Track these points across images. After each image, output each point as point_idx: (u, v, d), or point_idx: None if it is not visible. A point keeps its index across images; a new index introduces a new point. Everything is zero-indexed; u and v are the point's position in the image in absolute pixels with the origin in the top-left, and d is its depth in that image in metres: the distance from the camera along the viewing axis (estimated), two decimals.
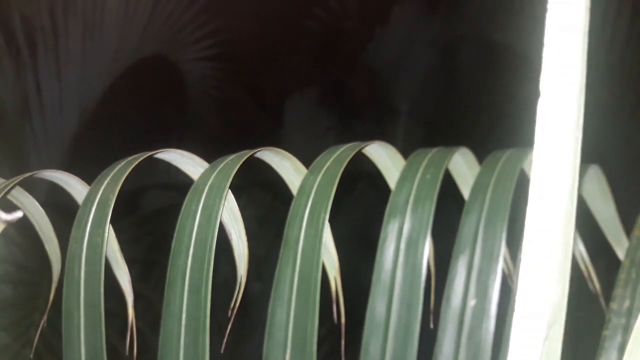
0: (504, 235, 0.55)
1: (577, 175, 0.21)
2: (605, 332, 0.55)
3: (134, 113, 1.49)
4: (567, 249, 0.22)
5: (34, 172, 0.54)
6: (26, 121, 1.38)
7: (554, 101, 0.21)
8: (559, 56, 0.21)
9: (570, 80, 0.21)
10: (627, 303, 0.55)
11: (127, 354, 0.50)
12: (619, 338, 0.55)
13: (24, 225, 0.58)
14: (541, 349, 0.22)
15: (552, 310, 0.22)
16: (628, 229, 0.60)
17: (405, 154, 0.59)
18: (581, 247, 0.61)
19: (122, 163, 0.53)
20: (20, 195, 0.56)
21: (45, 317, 0.55)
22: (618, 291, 0.55)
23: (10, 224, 0.39)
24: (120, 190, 0.51)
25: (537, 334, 0.22)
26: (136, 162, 0.52)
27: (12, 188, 0.52)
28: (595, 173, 0.62)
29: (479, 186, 0.57)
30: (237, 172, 0.52)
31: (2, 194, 0.50)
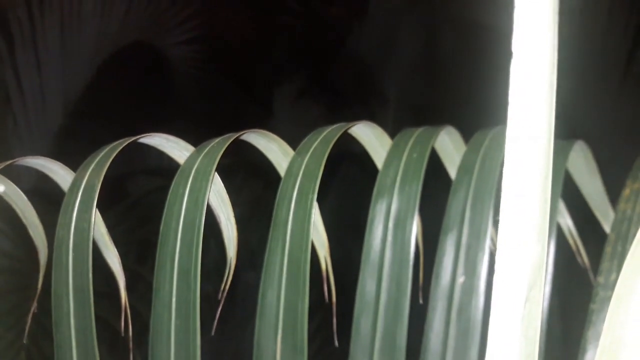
0: (491, 213, 0.55)
1: (552, 132, 0.21)
2: (593, 306, 0.56)
3: (118, 101, 1.47)
4: (545, 206, 0.22)
5: (16, 160, 0.53)
6: (8, 113, 1.36)
7: (526, 61, 0.21)
8: (530, 16, 0.21)
9: (541, 39, 0.21)
10: (613, 276, 0.56)
11: (122, 334, 0.50)
12: (606, 311, 0.56)
13: (10, 215, 0.57)
14: (522, 311, 0.22)
15: (531, 270, 0.22)
16: (615, 203, 0.61)
17: (392, 136, 0.59)
18: (569, 222, 0.61)
19: (107, 148, 0.53)
20: (1, 182, 0.55)
21: (35, 304, 0.55)
22: (605, 265, 0.56)
23: None
24: (108, 177, 0.51)
25: (518, 294, 0.22)
26: (121, 147, 0.51)
27: None
28: (581, 148, 0.62)
29: (465, 165, 0.58)
30: (224, 155, 0.52)
31: None
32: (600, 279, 0.56)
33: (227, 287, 0.51)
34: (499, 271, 0.21)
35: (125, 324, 0.50)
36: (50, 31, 1.37)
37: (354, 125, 0.56)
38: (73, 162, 0.55)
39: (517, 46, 0.21)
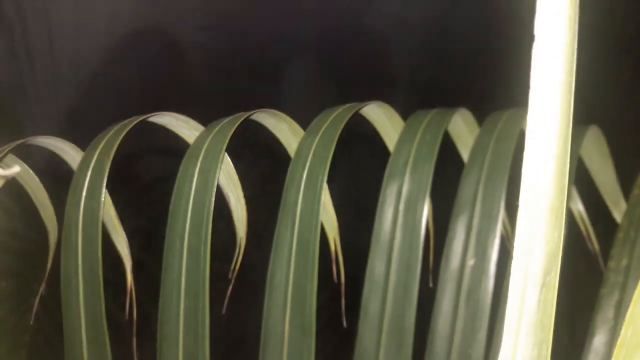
0: (503, 196, 0.55)
1: (571, 119, 0.21)
2: (603, 290, 0.55)
3: (129, 82, 1.47)
4: (562, 192, 0.21)
5: (26, 139, 0.53)
6: (20, 93, 1.36)
7: (547, 45, 0.20)
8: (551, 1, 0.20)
9: (563, 24, 0.20)
10: (624, 261, 0.55)
11: (127, 317, 0.50)
12: (616, 296, 0.55)
13: (19, 194, 0.57)
14: (538, 297, 0.22)
15: (548, 256, 0.22)
16: (627, 192, 0.60)
17: (404, 118, 0.58)
18: (580, 207, 0.61)
19: (116, 127, 0.52)
20: (13, 163, 0.55)
21: (43, 285, 0.55)
22: (616, 250, 0.56)
23: (7, 180, 0.39)
24: (117, 158, 0.50)
25: (535, 280, 0.22)
26: (130, 126, 0.51)
27: (4, 155, 0.52)
28: (594, 133, 0.61)
29: (478, 147, 0.57)
30: (234, 135, 0.51)
31: None
32: (612, 264, 0.56)
33: (237, 267, 0.51)
34: (516, 257, 0.21)
35: (130, 308, 0.50)
36: (63, 11, 1.37)
37: (366, 105, 0.56)
38: (84, 141, 0.55)
39: (540, 30, 0.21)
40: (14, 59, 1.36)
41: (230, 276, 0.50)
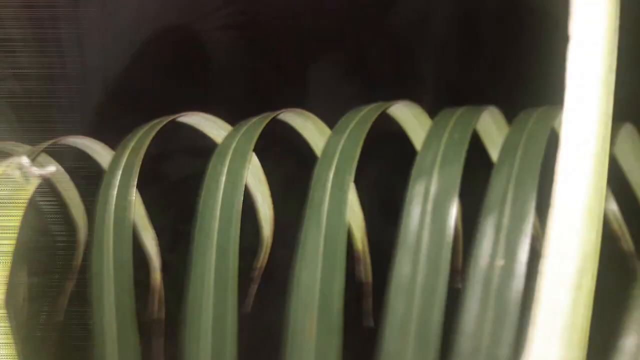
0: (534, 196, 0.54)
1: (610, 116, 0.20)
2: (636, 291, 0.54)
3: (157, 82, 1.49)
4: (600, 193, 0.21)
5: (58, 138, 0.54)
6: (51, 92, 1.39)
7: (583, 44, 0.20)
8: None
9: (601, 22, 0.20)
10: None
11: (155, 316, 0.50)
12: None
13: (49, 192, 0.58)
14: (571, 295, 0.22)
15: (583, 257, 0.21)
16: None
17: (431, 116, 0.58)
18: (614, 207, 0.59)
19: (146, 127, 0.53)
20: (47, 163, 0.56)
21: (74, 282, 0.56)
22: None
23: (43, 180, 0.40)
24: (146, 158, 0.51)
25: (568, 281, 0.21)
26: (160, 126, 0.52)
27: (38, 154, 0.53)
28: (628, 132, 0.60)
29: (508, 146, 0.56)
30: (261, 135, 0.52)
31: (31, 159, 0.50)
32: None
33: (264, 266, 0.51)
34: (550, 257, 0.21)
35: (159, 306, 0.51)
36: (92, 11, 1.40)
37: (393, 104, 0.55)
38: (113, 142, 0.56)
39: (576, 29, 0.20)
40: (46, 61, 1.38)
41: (255, 275, 0.50)
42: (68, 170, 0.58)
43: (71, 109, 1.37)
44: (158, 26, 1.46)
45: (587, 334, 0.22)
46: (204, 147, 0.59)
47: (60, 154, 0.60)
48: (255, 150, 0.51)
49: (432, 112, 0.58)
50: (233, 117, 0.57)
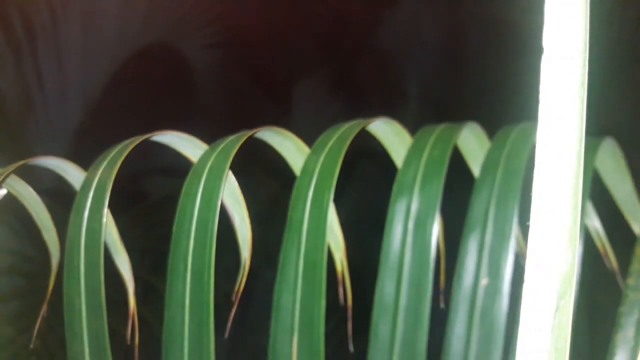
0: (515, 212, 0.53)
1: (583, 132, 0.20)
2: (622, 309, 0.53)
3: (138, 102, 1.48)
4: (576, 212, 0.20)
5: (28, 160, 0.53)
6: (29, 113, 1.38)
7: (557, 57, 0.19)
8: (562, 10, 0.20)
9: (572, 36, 0.20)
10: None
11: (128, 342, 0.49)
12: (636, 314, 0.53)
13: (24, 215, 0.56)
14: (552, 321, 0.21)
15: (562, 279, 0.20)
16: None
17: (414, 133, 0.57)
18: (597, 223, 0.58)
19: (119, 147, 0.52)
20: (15, 184, 0.55)
21: (45, 307, 0.54)
22: (635, 266, 0.53)
23: (14, 203, 0.38)
24: (124, 177, 0.49)
25: (548, 304, 0.20)
26: (133, 145, 0.50)
27: (7, 176, 0.51)
28: (610, 146, 0.60)
29: (489, 162, 0.55)
30: (238, 154, 0.50)
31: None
32: (630, 281, 0.53)
33: (242, 288, 0.50)
34: (529, 280, 0.20)
35: (132, 331, 0.49)
36: (72, 31, 1.38)
37: (372, 122, 0.55)
38: (91, 161, 0.55)
39: (549, 42, 0.20)
40: (24, 82, 1.37)
41: (233, 298, 0.49)
42: (43, 192, 0.56)
43: (49, 129, 1.35)
44: (139, 47, 1.45)
45: (567, 357, 0.21)
46: (187, 166, 0.57)
47: (34, 176, 0.59)
48: (233, 169, 0.50)
49: (415, 128, 0.58)
50: (216, 135, 0.56)
